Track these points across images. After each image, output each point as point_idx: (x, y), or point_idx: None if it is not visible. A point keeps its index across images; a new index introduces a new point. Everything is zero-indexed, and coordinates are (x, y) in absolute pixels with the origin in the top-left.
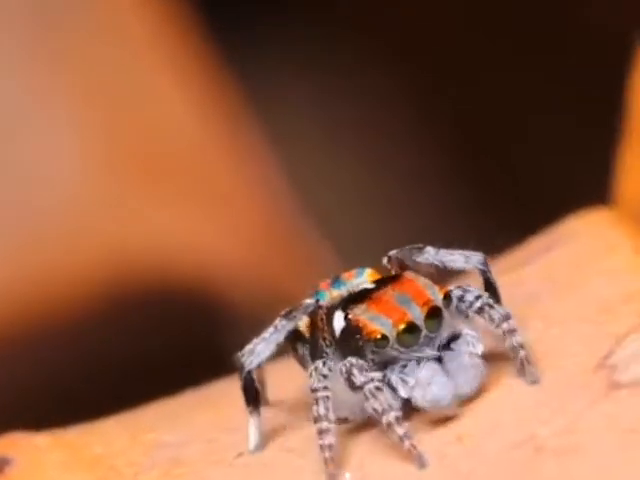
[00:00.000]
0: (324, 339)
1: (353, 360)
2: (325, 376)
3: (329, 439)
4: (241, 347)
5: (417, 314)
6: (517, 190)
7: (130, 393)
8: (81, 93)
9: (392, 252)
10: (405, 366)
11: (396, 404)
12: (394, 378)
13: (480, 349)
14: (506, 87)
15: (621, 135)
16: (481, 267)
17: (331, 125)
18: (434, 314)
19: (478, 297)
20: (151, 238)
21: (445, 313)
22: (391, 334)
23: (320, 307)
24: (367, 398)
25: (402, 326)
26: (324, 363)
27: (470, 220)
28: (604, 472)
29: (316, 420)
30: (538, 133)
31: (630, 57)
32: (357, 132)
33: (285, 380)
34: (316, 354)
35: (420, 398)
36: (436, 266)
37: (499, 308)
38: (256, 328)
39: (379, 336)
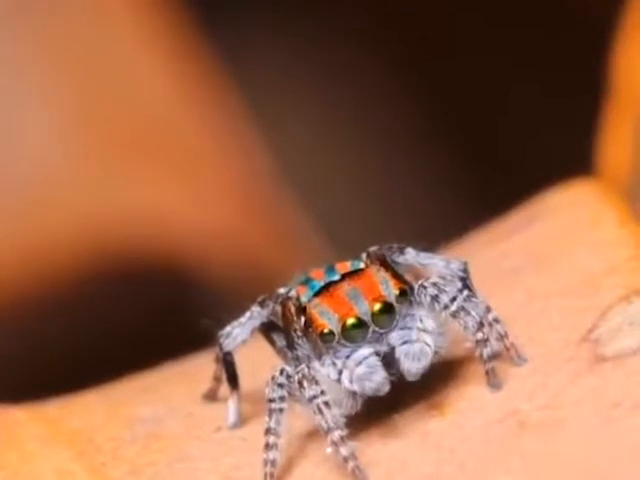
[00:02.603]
0: (295, 330)
1: (305, 370)
2: (281, 385)
3: (273, 454)
4: (217, 321)
5: (364, 309)
6: (500, 162)
7: (105, 367)
8: (58, 67)
9: (371, 248)
10: (339, 350)
11: (342, 421)
12: (327, 361)
13: (430, 325)
14: (489, 61)
15: (604, 107)
16: (461, 274)
17: (318, 101)
18: (384, 310)
19: (453, 299)
20: (128, 210)
21: (401, 308)
22: (336, 329)
23: (289, 298)
24: (314, 413)
25: (347, 321)
26: (282, 371)
27: (453, 192)
28: (587, 446)
29: (266, 432)
30: (521, 105)
31: (613, 30)
32: (344, 108)
33: (266, 357)
34: (290, 344)
35: (347, 379)
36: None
37: (475, 314)
38: (233, 301)
39: (326, 330)
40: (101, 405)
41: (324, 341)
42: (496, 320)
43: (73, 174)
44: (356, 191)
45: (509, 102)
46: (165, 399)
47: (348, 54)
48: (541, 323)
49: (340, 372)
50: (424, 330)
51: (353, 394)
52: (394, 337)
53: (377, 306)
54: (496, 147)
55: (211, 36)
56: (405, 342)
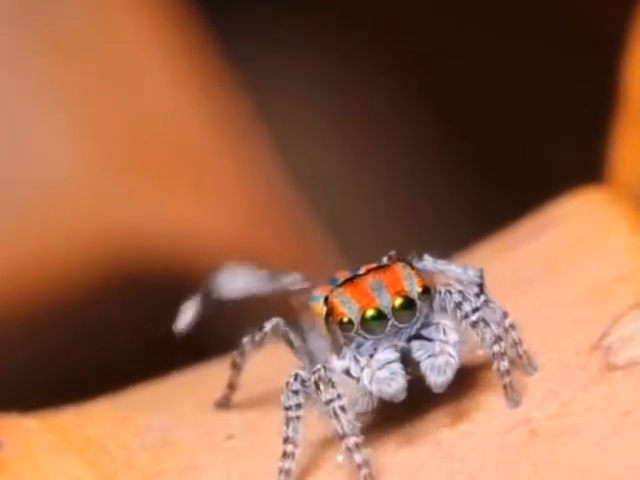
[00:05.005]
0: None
1: (322, 372)
2: (296, 392)
3: (289, 463)
4: (227, 328)
5: (386, 302)
6: (510, 170)
7: (116, 375)
8: (68, 77)
9: (392, 252)
10: (362, 345)
11: (358, 427)
12: (348, 355)
13: (453, 337)
14: (499, 67)
15: (615, 114)
16: (477, 280)
17: (329, 111)
18: (405, 305)
19: (475, 310)
20: (139, 220)
21: (423, 306)
22: (356, 319)
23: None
24: (330, 417)
25: (367, 312)
26: (296, 377)
27: (462, 201)
28: (599, 455)
29: (284, 441)
30: (532, 112)
31: (623, 36)
32: (354, 118)
33: (278, 364)
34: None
35: (367, 379)
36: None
37: (494, 327)
38: (245, 311)
39: (345, 319)
40: (112, 413)
41: (343, 329)
42: (512, 326)
43: (84, 184)
44: (367, 201)
45: (519, 109)
46: (176, 407)
47: (360, 66)
48: (553, 331)
49: (362, 369)
50: (447, 342)
51: (370, 393)
52: (419, 352)
53: (399, 300)
54: (505, 155)
55: (222, 45)
56: (430, 355)
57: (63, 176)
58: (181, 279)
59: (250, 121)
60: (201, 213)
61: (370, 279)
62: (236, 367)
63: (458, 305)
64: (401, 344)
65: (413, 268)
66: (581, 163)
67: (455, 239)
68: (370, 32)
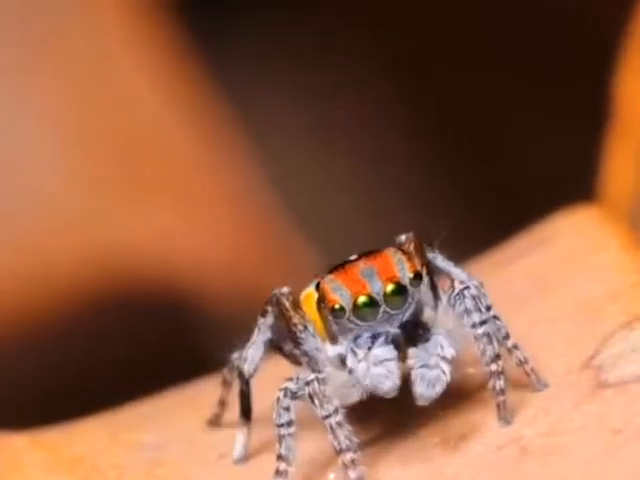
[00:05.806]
0: (295, 325)
1: (316, 385)
2: (287, 408)
3: None
4: (218, 346)
5: (377, 288)
6: (502, 187)
7: (107, 393)
8: (59, 96)
9: (410, 233)
10: (359, 337)
11: (355, 443)
12: (345, 345)
13: (450, 353)
14: (490, 82)
15: (607, 132)
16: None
17: (312, 120)
18: (397, 291)
19: (483, 322)
20: (127, 240)
21: (414, 292)
22: (348, 305)
23: (282, 294)
24: (327, 432)
25: (359, 298)
26: (285, 392)
27: (454, 217)
28: (590, 473)
29: (277, 458)
30: (523, 129)
31: (616, 51)
32: (339, 127)
33: (273, 380)
34: (294, 341)
35: (361, 372)
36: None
37: (495, 345)
38: (233, 326)
39: (337, 306)
40: (103, 431)
41: (334, 316)
42: (515, 347)
43: (73, 204)
44: (356, 212)
45: (511, 126)
46: (168, 425)
47: (348, 73)
48: (544, 349)
49: (359, 362)
50: (443, 358)
51: (361, 385)
52: (413, 360)
53: (390, 287)
54: (497, 173)
55: (207, 58)
56: (422, 366)
57: (52, 197)
58: (169, 295)
59: (236, 134)
60: (187, 229)
61: (361, 265)
62: (227, 384)
63: (468, 312)
64: (393, 330)
65: (405, 253)
66: (573, 181)
67: (446, 254)
68: (362, 33)
